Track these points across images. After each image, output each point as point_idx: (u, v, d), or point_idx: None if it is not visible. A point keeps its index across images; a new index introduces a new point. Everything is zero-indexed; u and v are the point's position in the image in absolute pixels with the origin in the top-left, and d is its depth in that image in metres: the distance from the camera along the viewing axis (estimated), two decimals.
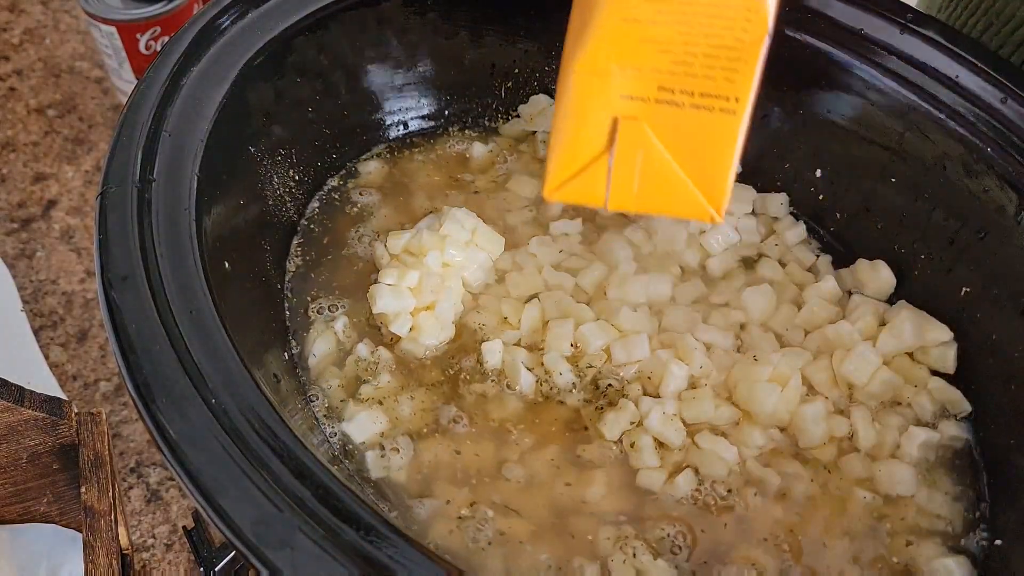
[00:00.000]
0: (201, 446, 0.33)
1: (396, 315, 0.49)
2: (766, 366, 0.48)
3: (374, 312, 0.50)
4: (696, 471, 0.45)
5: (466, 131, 0.61)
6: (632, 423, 0.46)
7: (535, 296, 0.51)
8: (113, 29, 0.73)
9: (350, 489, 0.33)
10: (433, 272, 0.50)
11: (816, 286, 0.53)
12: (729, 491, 0.45)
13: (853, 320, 0.51)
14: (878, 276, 0.53)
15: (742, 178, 0.59)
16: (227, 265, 0.46)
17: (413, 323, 0.49)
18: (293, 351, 0.49)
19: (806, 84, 0.54)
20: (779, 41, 0.53)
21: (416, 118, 0.61)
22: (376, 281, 0.51)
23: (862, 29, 0.53)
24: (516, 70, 0.61)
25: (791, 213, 0.58)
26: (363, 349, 0.48)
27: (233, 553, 0.42)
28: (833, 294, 0.52)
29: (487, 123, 0.61)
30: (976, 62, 0.50)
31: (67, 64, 0.86)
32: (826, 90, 0.54)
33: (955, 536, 0.45)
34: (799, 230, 0.56)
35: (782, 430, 0.47)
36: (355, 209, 0.56)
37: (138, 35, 0.73)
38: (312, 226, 0.54)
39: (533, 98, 0.61)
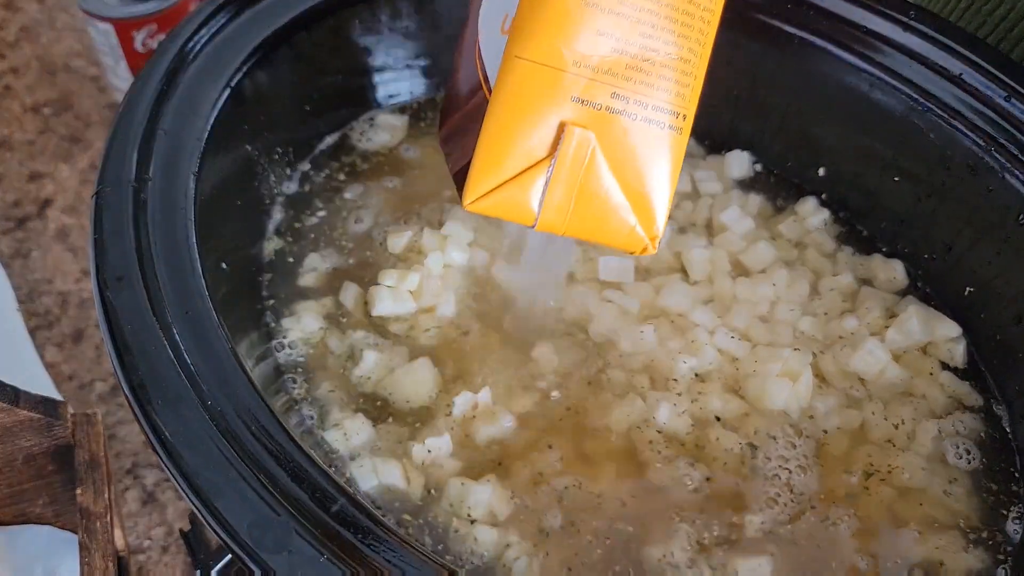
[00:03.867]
0: (197, 448, 0.33)
1: (396, 318, 0.49)
2: (776, 362, 0.48)
3: (372, 314, 0.49)
4: (707, 465, 0.45)
5: None
6: (640, 417, 0.46)
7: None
8: (109, 27, 0.72)
9: (347, 492, 0.33)
10: (434, 275, 0.50)
11: (834, 279, 0.53)
12: (740, 484, 0.44)
13: (862, 315, 0.51)
14: (891, 275, 0.53)
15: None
16: (224, 265, 0.46)
17: (412, 323, 0.49)
18: (290, 350, 0.48)
19: (808, 83, 0.54)
20: (781, 38, 0.54)
21: (416, 110, 0.60)
22: (376, 283, 0.50)
23: (865, 26, 0.52)
24: None
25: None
26: (369, 360, 0.48)
27: (229, 556, 0.41)
28: (848, 288, 0.52)
29: None
30: (980, 60, 0.50)
31: (63, 62, 0.86)
32: (828, 88, 0.54)
33: (974, 528, 0.45)
34: (823, 215, 0.56)
35: (792, 424, 0.47)
36: (356, 205, 0.55)
37: (134, 33, 0.73)
38: (312, 224, 0.54)
39: None
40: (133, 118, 0.43)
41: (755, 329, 0.50)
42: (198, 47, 0.47)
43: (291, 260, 0.52)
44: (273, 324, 0.49)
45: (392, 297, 0.49)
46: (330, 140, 0.57)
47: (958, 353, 0.50)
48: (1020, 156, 0.47)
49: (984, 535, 0.44)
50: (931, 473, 0.46)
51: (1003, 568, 0.43)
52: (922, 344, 0.50)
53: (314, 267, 0.52)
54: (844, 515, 0.44)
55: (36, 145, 0.79)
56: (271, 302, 0.50)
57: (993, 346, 0.50)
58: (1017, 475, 0.46)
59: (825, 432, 0.47)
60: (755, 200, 0.56)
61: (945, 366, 0.50)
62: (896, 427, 0.47)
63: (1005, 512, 0.45)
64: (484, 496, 0.42)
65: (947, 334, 0.50)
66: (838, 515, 0.44)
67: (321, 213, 0.54)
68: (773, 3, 0.54)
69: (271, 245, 0.52)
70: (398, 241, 0.51)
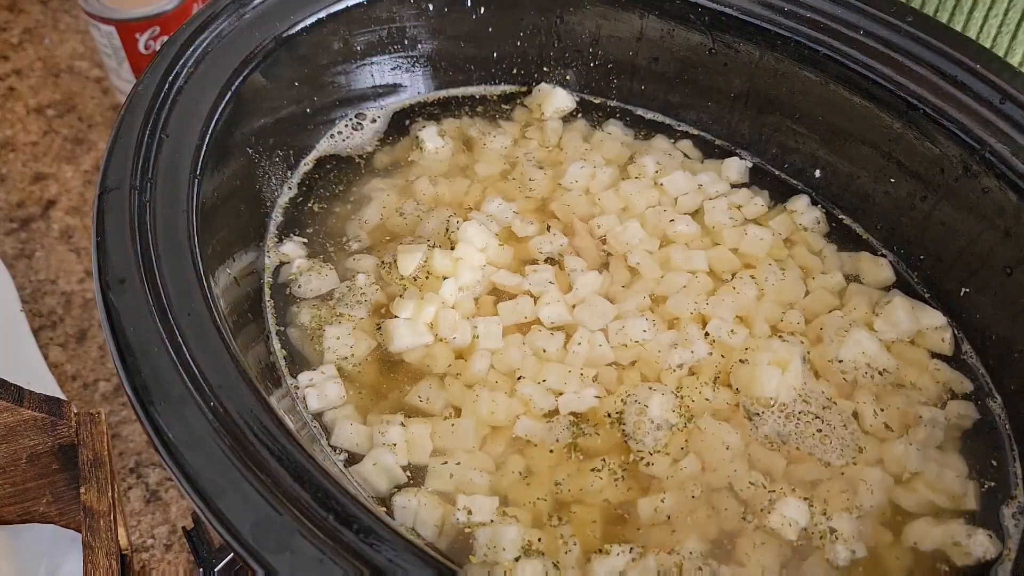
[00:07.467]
0: (199, 449, 0.33)
1: (411, 349, 0.48)
2: (766, 352, 0.48)
3: (391, 350, 0.48)
4: (699, 455, 0.45)
5: (471, 120, 0.61)
6: (635, 410, 0.46)
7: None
8: (112, 29, 0.73)
9: (348, 492, 0.33)
10: (448, 303, 0.49)
11: (823, 277, 0.53)
12: (733, 475, 0.45)
13: (850, 308, 0.51)
14: (879, 271, 0.54)
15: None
16: (225, 267, 0.46)
17: (427, 353, 0.48)
18: (288, 351, 0.49)
19: (806, 85, 0.55)
20: (778, 41, 0.54)
21: (419, 110, 0.60)
22: (390, 315, 0.49)
23: (863, 29, 0.53)
24: (519, 59, 0.61)
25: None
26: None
27: (232, 554, 0.42)
28: (837, 283, 0.53)
29: (492, 113, 0.61)
30: (975, 63, 0.50)
31: (66, 64, 0.86)
32: (826, 91, 0.54)
33: (972, 513, 0.45)
34: (815, 213, 0.56)
35: (785, 412, 0.47)
36: (358, 204, 0.55)
37: (137, 35, 0.73)
38: (312, 224, 0.54)
39: (536, 88, 0.62)
40: (135, 120, 0.43)
41: (745, 322, 0.51)
42: (200, 50, 0.47)
43: (293, 262, 0.52)
44: (275, 325, 0.49)
45: (410, 331, 0.48)
46: (331, 143, 0.57)
47: (945, 341, 0.51)
48: (1015, 158, 0.48)
49: (983, 519, 0.45)
50: (923, 459, 0.46)
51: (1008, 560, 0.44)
52: (911, 334, 0.51)
53: (316, 269, 0.52)
54: (839, 499, 0.44)
55: (40, 146, 0.79)
56: (273, 303, 0.50)
57: (989, 344, 0.50)
58: (1014, 462, 0.47)
59: (819, 421, 0.47)
60: (748, 200, 0.57)
61: (934, 355, 0.51)
62: (889, 415, 0.47)
63: (1002, 499, 0.46)
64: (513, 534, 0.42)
65: (933, 323, 0.51)
66: (834, 498, 0.44)
67: (322, 215, 0.55)
68: (771, 7, 0.54)
69: (273, 247, 0.52)
70: (409, 263, 0.51)
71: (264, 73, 0.50)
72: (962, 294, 0.51)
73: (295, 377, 0.47)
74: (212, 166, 0.44)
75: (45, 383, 0.62)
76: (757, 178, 0.59)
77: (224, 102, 0.46)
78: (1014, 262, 0.48)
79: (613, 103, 0.62)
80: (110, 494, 0.44)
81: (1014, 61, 0.60)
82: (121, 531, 0.45)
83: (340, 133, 0.58)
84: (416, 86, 0.60)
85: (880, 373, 0.49)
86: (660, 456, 0.45)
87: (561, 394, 0.47)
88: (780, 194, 0.58)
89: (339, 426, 0.45)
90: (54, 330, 0.67)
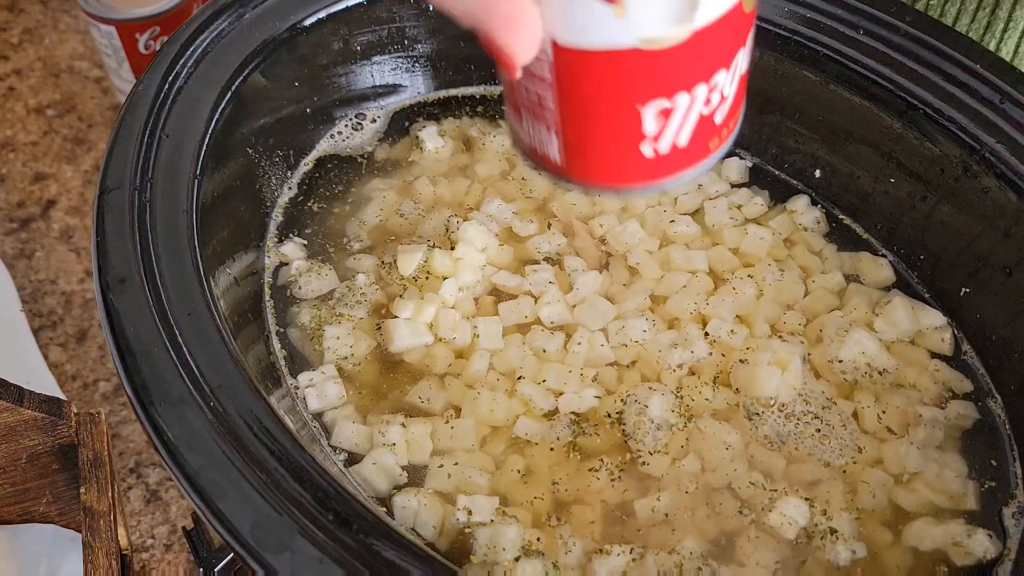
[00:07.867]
0: (199, 449, 0.33)
1: (411, 349, 0.48)
2: (766, 352, 0.48)
3: (391, 350, 0.48)
4: (699, 455, 0.45)
5: (471, 120, 0.61)
6: (635, 410, 0.46)
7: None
8: (112, 29, 0.73)
9: (348, 492, 0.33)
10: (448, 303, 0.49)
11: (823, 277, 0.53)
12: (733, 474, 0.45)
13: (849, 309, 0.51)
14: (879, 271, 0.54)
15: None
16: (226, 267, 0.46)
17: (427, 353, 0.48)
18: (288, 351, 0.49)
19: (805, 85, 0.55)
20: (778, 41, 0.54)
21: (419, 110, 0.60)
22: (390, 315, 0.49)
23: (862, 30, 0.53)
24: None
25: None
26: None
27: (232, 554, 0.42)
28: (837, 284, 0.53)
29: (492, 113, 0.61)
30: (974, 63, 0.50)
31: (66, 64, 0.86)
32: (825, 90, 0.54)
33: (972, 513, 0.45)
34: (814, 213, 0.56)
35: (785, 413, 0.47)
36: (357, 204, 0.55)
37: (137, 35, 0.73)
38: (312, 225, 0.54)
39: None
40: (135, 120, 0.43)
41: (745, 322, 0.51)
42: (200, 49, 0.47)
43: (293, 262, 0.52)
44: (275, 326, 0.49)
45: (410, 330, 0.48)
46: (330, 143, 0.57)
47: (946, 341, 0.50)
48: (1015, 158, 0.48)
49: (983, 520, 0.45)
50: (923, 459, 0.46)
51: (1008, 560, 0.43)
52: (911, 334, 0.51)
53: (316, 270, 0.52)
54: (839, 500, 0.44)
55: (40, 146, 0.79)
56: (273, 303, 0.50)
57: (988, 344, 0.50)
58: (1014, 462, 0.47)
59: (819, 421, 0.47)
60: (748, 200, 0.57)
61: (934, 355, 0.51)
62: (889, 415, 0.47)
63: (1002, 499, 0.46)
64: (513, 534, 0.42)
65: (933, 323, 0.51)
66: (834, 499, 0.44)
67: (322, 215, 0.55)
68: (771, 7, 0.54)
69: (273, 247, 0.52)
70: (409, 263, 0.51)
71: (264, 73, 0.50)
72: (962, 294, 0.51)
73: (295, 377, 0.47)
74: (212, 166, 0.44)
75: (45, 383, 0.62)
76: (757, 178, 0.58)
77: (224, 102, 0.46)
78: (1014, 262, 0.48)
79: None
80: (110, 494, 0.44)
81: (1020, 64, 0.60)
82: (121, 531, 0.45)
83: (340, 133, 0.58)
84: (416, 86, 0.60)
85: (880, 373, 0.49)
86: (660, 456, 0.45)
87: (561, 394, 0.47)
88: (780, 194, 0.58)
89: (339, 426, 0.45)
90: (54, 330, 0.67)
